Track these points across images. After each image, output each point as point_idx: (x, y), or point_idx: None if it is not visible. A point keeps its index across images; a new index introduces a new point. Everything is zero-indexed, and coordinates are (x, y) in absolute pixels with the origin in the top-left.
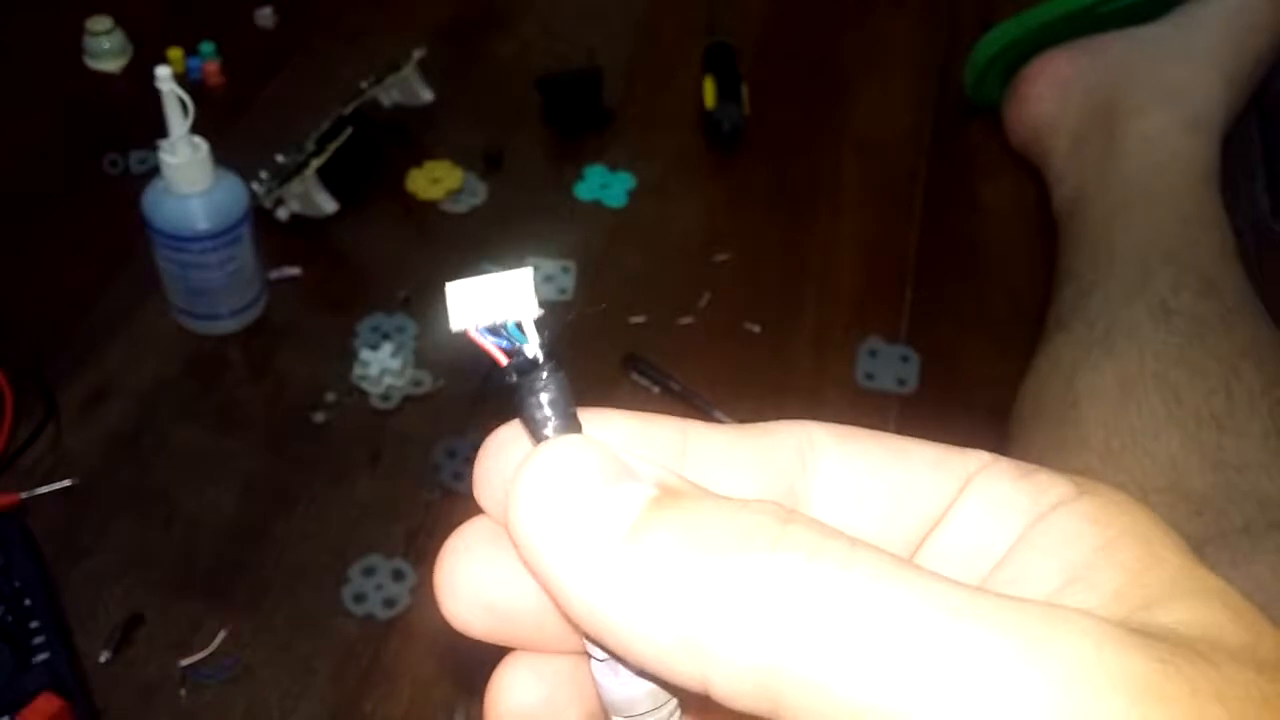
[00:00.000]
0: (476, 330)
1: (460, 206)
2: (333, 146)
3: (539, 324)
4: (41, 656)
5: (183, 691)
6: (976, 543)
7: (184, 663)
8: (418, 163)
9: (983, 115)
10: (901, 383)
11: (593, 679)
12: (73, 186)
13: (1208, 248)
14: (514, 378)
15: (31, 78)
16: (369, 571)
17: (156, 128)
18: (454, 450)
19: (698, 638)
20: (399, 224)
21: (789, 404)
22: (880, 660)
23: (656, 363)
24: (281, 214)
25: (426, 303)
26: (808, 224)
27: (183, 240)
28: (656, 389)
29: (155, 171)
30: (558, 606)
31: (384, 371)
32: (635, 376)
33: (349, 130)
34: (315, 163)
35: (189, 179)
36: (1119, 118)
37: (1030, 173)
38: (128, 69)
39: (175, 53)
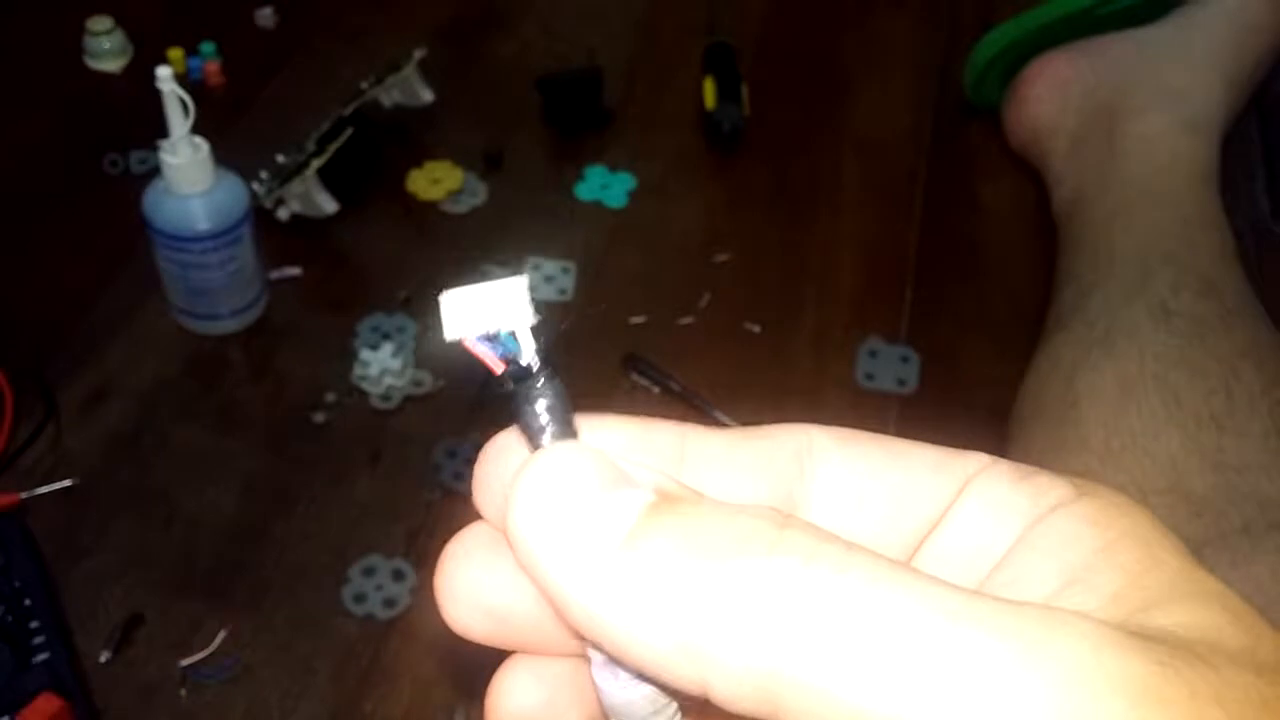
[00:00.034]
0: (471, 339)
1: (460, 207)
2: (333, 147)
3: (534, 332)
4: (41, 656)
5: (183, 691)
6: (976, 545)
7: (184, 663)
8: (418, 163)
9: (982, 116)
10: (901, 383)
11: (592, 683)
12: (73, 186)
13: (1207, 248)
14: (510, 386)
15: (31, 78)
16: (369, 572)
17: (157, 128)
18: (454, 450)
19: (696, 642)
20: (399, 224)
21: (789, 404)
22: (878, 663)
23: (656, 363)
24: (282, 214)
25: (427, 303)
26: (808, 224)
27: (183, 240)
28: (656, 389)
29: (156, 171)
30: (557, 612)
31: (384, 371)
32: (635, 377)
33: (349, 130)
34: (316, 163)
35: (189, 179)
36: (1118, 119)
37: (1030, 173)
38: (128, 69)
39: (176, 53)
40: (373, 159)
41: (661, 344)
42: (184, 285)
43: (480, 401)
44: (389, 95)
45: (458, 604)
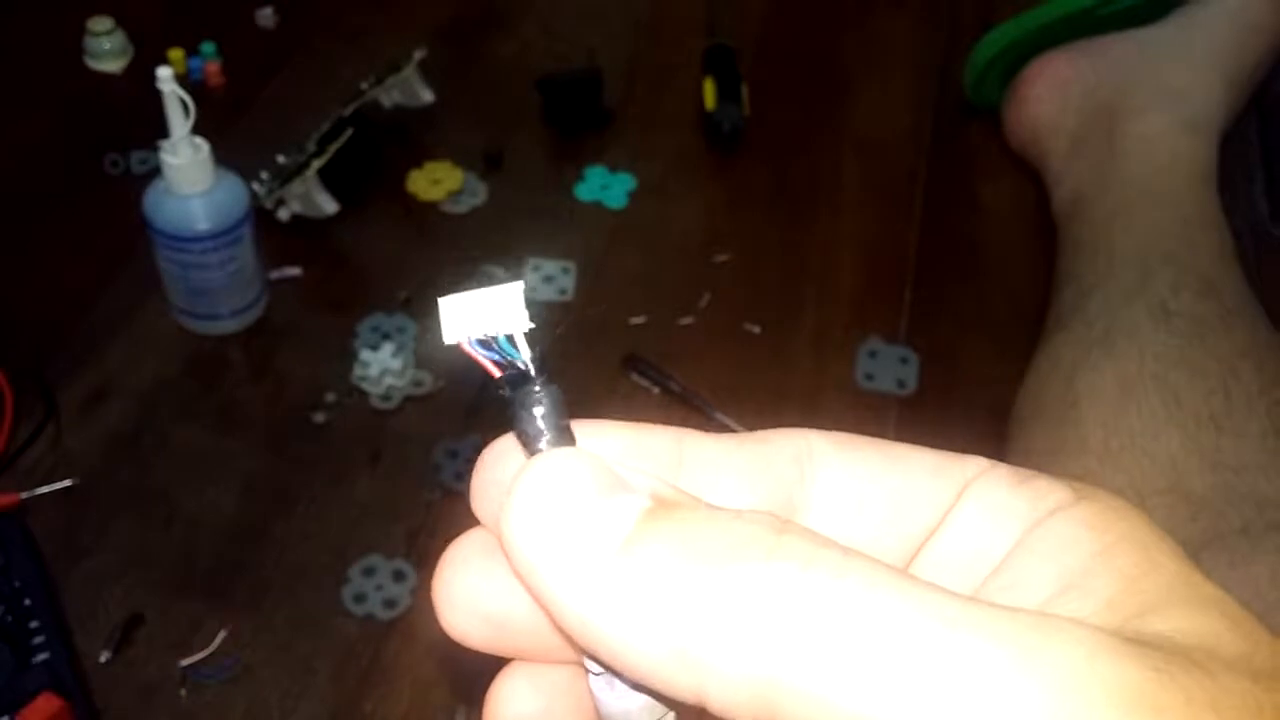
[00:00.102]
0: (469, 343)
1: (460, 207)
2: (333, 147)
3: (530, 338)
4: (41, 656)
5: (183, 691)
6: (974, 548)
7: (184, 663)
8: (418, 163)
9: (982, 115)
10: (901, 384)
11: (590, 692)
12: (73, 186)
13: (1207, 249)
14: (507, 391)
15: (32, 78)
16: (369, 572)
17: (157, 128)
18: (455, 451)
19: (692, 650)
20: (399, 224)
21: (788, 405)
22: (875, 669)
23: (656, 363)
24: (282, 214)
25: (427, 303)
26: (808, 224)
27: (183, 240)
28: (656, 390)
29: (156, 172)
30: (552, 620)
31: (384, 372)
32: (635, 377)
33: (349, 131)
34: (316, 163)
35: (190, 179)
36: (1118, 119)
37: (1030, 173)
38: (128, 69)
39: (176, 53)
40: (373, 159)
41: (661, 344)
42: (184, 285)
43: (480, 402)
44: (389, 95)
45: (455, 610)
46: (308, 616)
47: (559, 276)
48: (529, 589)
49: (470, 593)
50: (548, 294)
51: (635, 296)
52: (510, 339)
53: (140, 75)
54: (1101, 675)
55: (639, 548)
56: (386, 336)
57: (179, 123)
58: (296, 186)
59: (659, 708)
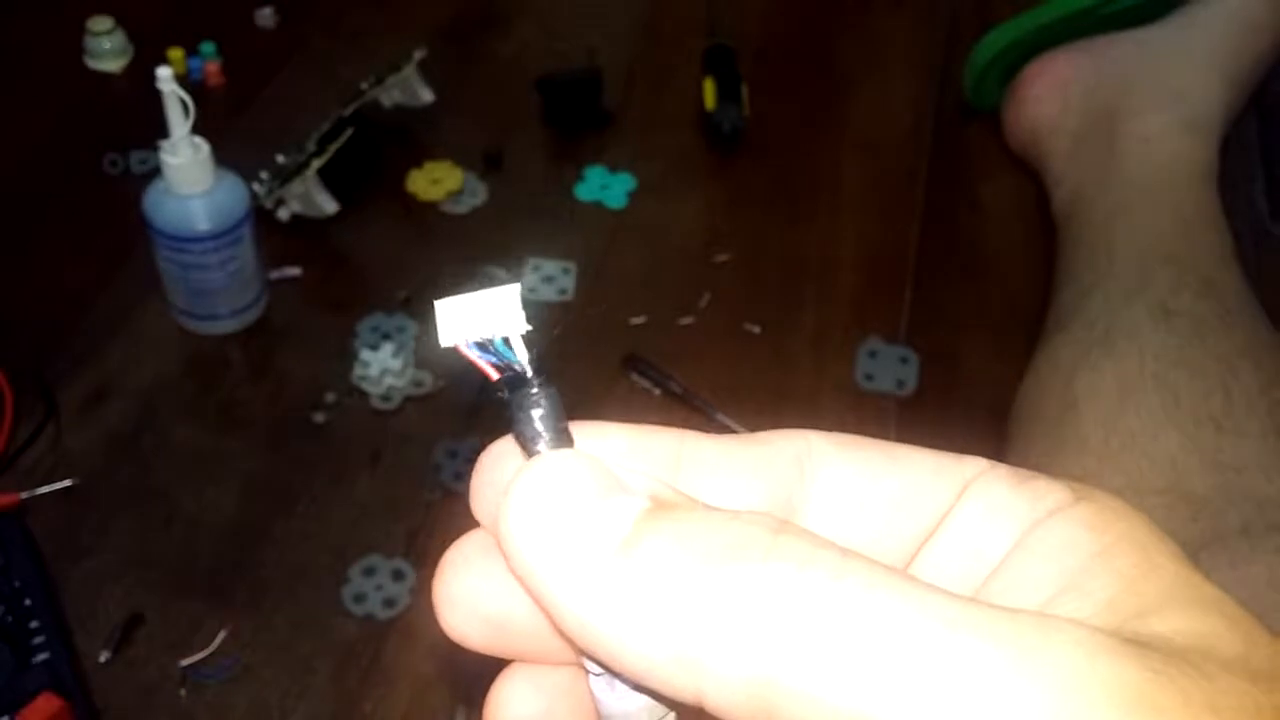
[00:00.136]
0: (466, 346)
1: (460, 207)
2: (333, 147)
3: (527, 340)
4: (41, 656)
5: (183, 691)
6: (974, 549)
7: (184, 663)
8: (418, 163)
9: (982, 116)
10: (901, 384)
11: (590, 693)
12: (73, 186)
13: (1207, 249)
14: (505, 393)
15: (31, 78)
16: (369, 572)
17: (157, 128)
18: (455, 450)
19: (691, 650)
20: (399, 224)
21: (788, 405)
22: (873, 670)
23: (656, 363)
24: (282, 214)
25: (427, 303)
26: (808, 224)
27: (183, 240)
28: (656, 390)
29: (156, 172)
30: (551, 622)
31: (384, 371)
32: (635, 377)
33: (349, 131)
34: (316, 163)
35: (190, 179)
36: (1118, 119)
37: (1030, 174)
38: (128, 69)
39: (176, 53)
40: (373, 159)
41: (661, 344)
42: (184, 285)
43: (480, 402)
44: (389, 95)
45: (455, 611)
46: (308, 616)
47: (559, 276)
48: (528, 590)
49: (470, 594)
50: (548, 294)
51: (635, 296)
52: (507, 341)
53: (140, 75)
54: (1101, 676)
55: (637, 548)
56: (386, 336)
57: (179, 123)
58: (296, 186)
59: (659, 708)
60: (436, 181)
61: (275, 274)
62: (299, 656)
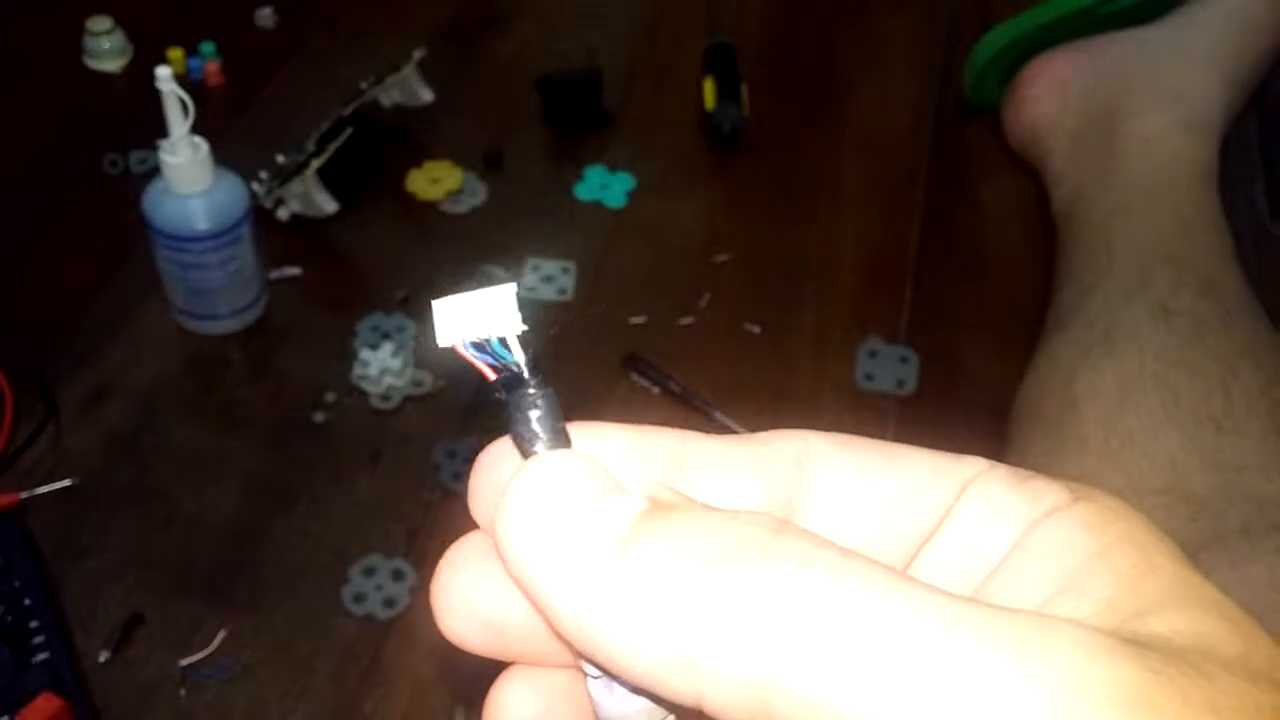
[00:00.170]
0: (463, 346)
1: (460, 207)
2: (333, 147)
3: (523, 340)
4: (41, 656)
5: (182, 691)
6: (973, 549)
7: (184, 663)
8: (418, 163)
9: (982, 116)
10: (901, 383)
11: (589, 696)
12: (73, 186)
13: (1207, 248)
14: (502, 394)
15: (31, 78)
16: (369, 571)
17: (157, 128)
18: (454, 450)
19: (689, 652)
20: (399, 224)
21: (788, 405)
22: (872, 671)
23: (656, 363)
24: (282, 214)
25: (426, 303)
26: (808, 224)
27: (183, 240)
28: (656, 389)
29: (155, 171)
30: (549, 624)
31: (384, 371)
32: (635, 377)
33: (349, 130)
34: (315, 163)
35: (189, 179)
36: (1118, 119)
37: (1030, 173)
38: (128, 69)
39: (175, 53)
40: (372, 159)
41: (661, 344)
42: (184, 285)
43: (479, 402)
44: (389, 95)
45: (453, 614)
46: (307, 616)
47: (559, 276)
48: (525, 593)
49: (468, 596)
50: (547, 294)
51: (635, 296)
52: (504, 341)
53: (139, 75)
54: (1100, 676)
55: (635, 549)
56: (386, 336)
57: (178, 122)
58: (296, 186)
59: (658, 711)
60: (436, 181)
61: (275, 274)
62: (299, 656)
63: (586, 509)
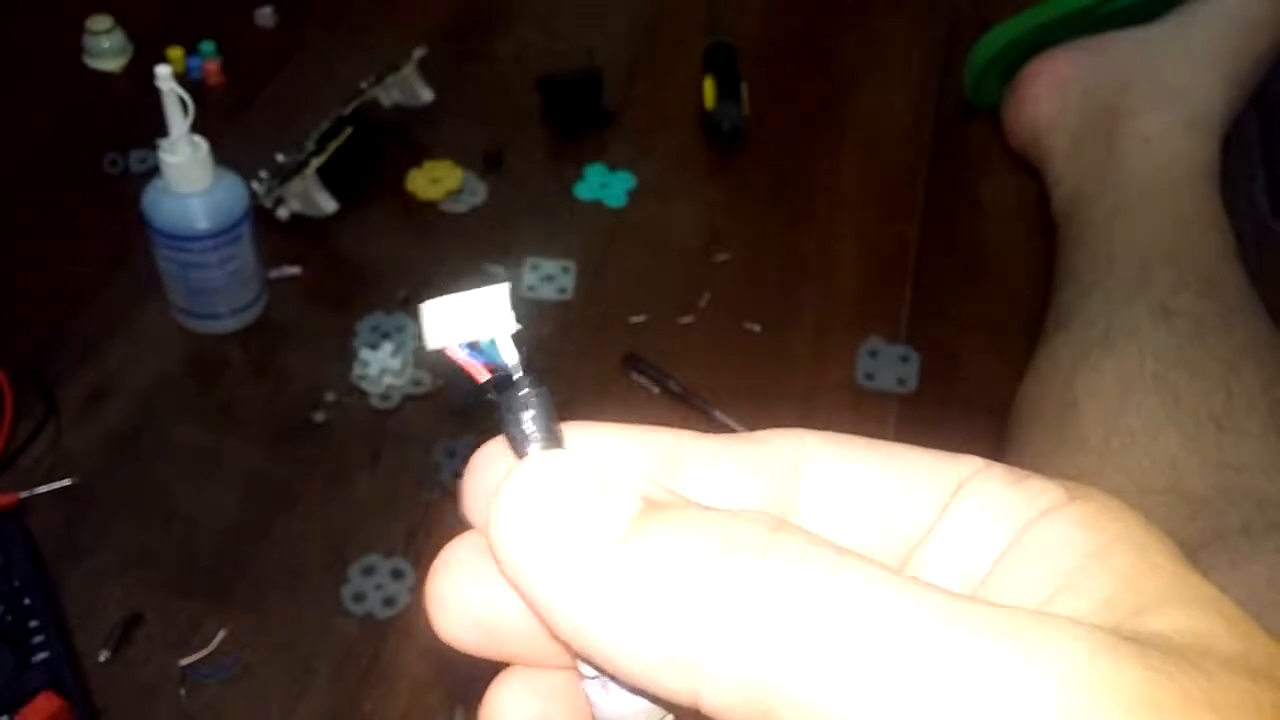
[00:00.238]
0: (455, 347)
1: (460, 206)
2: (333, 146)
3: (517, 340)
4: (41, 656)
5: (182, 691)
6: (970, 548)
7: (184, 662)
8: (418, 162)
9: (982, 115)
10: (901, 382)
11: (585, 696)
12: (73, 186)
13: (1208, 248)
14: (494, 395)
15: (31, 77)
16: (368, 571)
17: (157, 127)
18: (454, 450)
19: (686, 652)
20: (399, 224)
21: (788, 404)
22: (872, 669)
23: (656, 362)
24: (281, 213)
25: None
26: (808, 224)
27: (183, 240)
28: (656, 389)
29: (155, 171)
30: (544, 625)
31: (384, 371)
32: (635, 376)
33: (349, 130)
34: (315, 162)
35: (189, 178)
36: (1119, 118)
37: (1030, 173)
38: (128, 68)
39: (175, 52)
40: (372, 158)
41: (661, 344)
42: (184, 285)
43: (476, 402)
44: (389, 94)
45: (448, 614)
46: (307, 616)
47: (559, 275)
48: (520, 594)
49: (463, 597)
50: (547, 293)
51: (635, 296)
52: (495, 342)
53: (139, 74)
54: (1100, 674)
55: (631, 548)
56: (386, 336)
57: (178, 121)
58: (296, 185)
59: (657, 711)
60: (436, 180)
61: (275, 273)
62: (298, 656)
63: (581, 509)
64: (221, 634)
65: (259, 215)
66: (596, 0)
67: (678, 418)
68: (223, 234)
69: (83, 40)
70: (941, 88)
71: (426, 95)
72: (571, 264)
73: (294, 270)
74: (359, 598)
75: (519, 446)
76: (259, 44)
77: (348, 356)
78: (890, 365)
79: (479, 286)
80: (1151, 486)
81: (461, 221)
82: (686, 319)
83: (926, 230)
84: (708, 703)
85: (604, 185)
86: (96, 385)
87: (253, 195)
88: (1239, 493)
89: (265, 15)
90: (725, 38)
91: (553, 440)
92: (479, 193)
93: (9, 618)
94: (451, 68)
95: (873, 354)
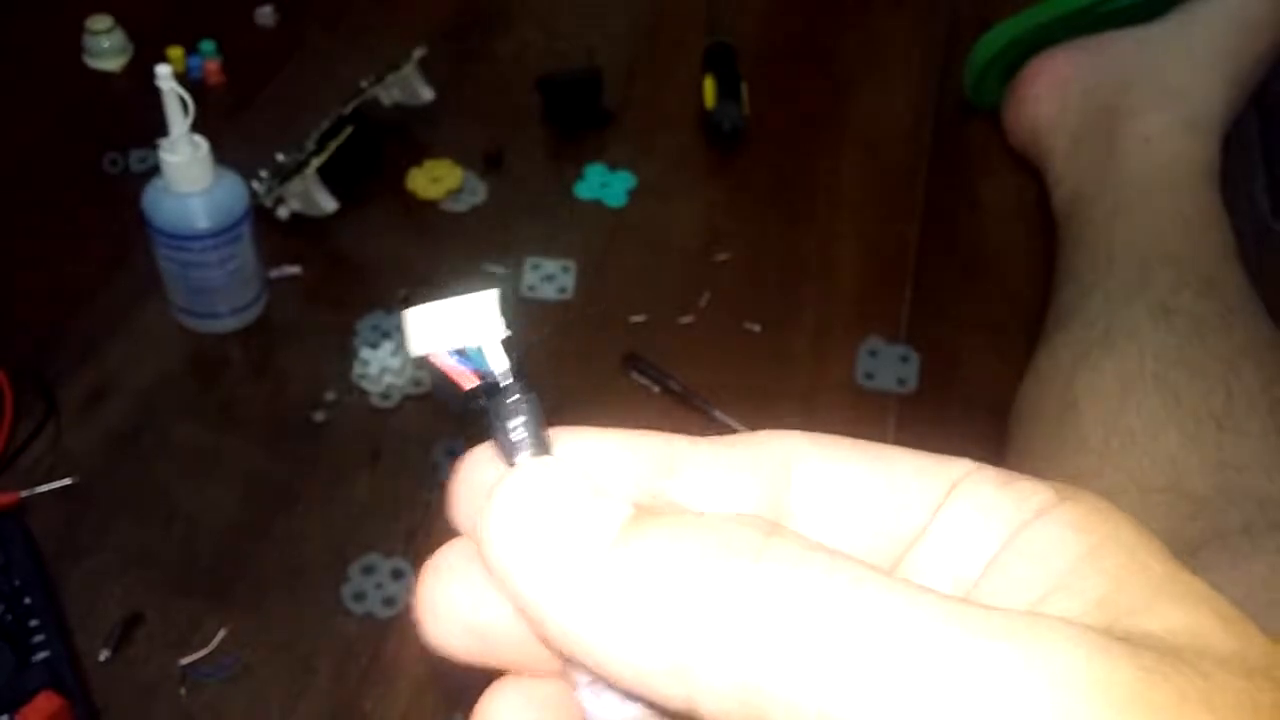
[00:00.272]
0: (441, 354)
1: (460, 206)
2: (333, 145)
3: (506, 346)
4: (41, 655)
5: (182, 690)
6: (961, 551)
7: (184, 661)
8: (418, 162)
9: (982, 115)
10: (901, 382)
11: (579, 703)
12: (73, 186)
13: (1208, 248)
14: (483, 401)
15: (31, 78)
16: (369, 570)
17: (157, 126)
18: (454, 449)
19: (681, 657)
20: (399, 223)
21: (788, 404)
22: (867, 672)
23: (656, 362)
24: (282, 213)
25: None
26: (808, 223)
27: (183, 239)
28: (656, 389)
29: (155, 170)
30: (537, 634)
31: (384, 370)
32: (635, 376)
33: (349, 129)
34: (315, 161)
35: (189, 178)
36: (1119, 118)
37: (1030, 172)
38: (128, 68)
39: (175, 51)
40: (372, 157)
41: (661, 343)
42: (184, 284)
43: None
44: (389, 94)
45: (438, 620)
46: (307, 615)
47: (559, 275)
48: (512, 601)
49: (453, 602)
50: (547, 293)
51: (635, 295)
52: (483, 349)
53: (139, 74)
54: (1095, 675)
55: (624, 553)
56: (386, 335)
57: (178, 121)
58: (296, 185)
59: (650, 717)
60: (436, 180)
61: (275, 272)
62: (299, 655)
63: (572, 517)
64: (221, 633)
65: (259, 214)
66: (596, 0)
67: (678, 418)
68: (223, 233)
69: (83, 40)
70: (941, 88)
71: (427, 94)
72: (571, 263)
73: (294, 270)
74: (359, 597)
75: (509, 454)
76: (259, 43)
77: (348, 356)
78: (890, 365)
79: (470, 290)
80: (1152, 486)
81: (462, 221)
82: (686, 319)
83: (926, 230)
84: (704, 708)
85: (604, 185)
86: (96, 385)
87: (253, 195)
88: (1240, 492)
89: (265, 15)
90: (725, 38)
91: (543, 447)
92: (479, 192)
93: (9, 617)
94: (452, 67)
95: (873, 354)
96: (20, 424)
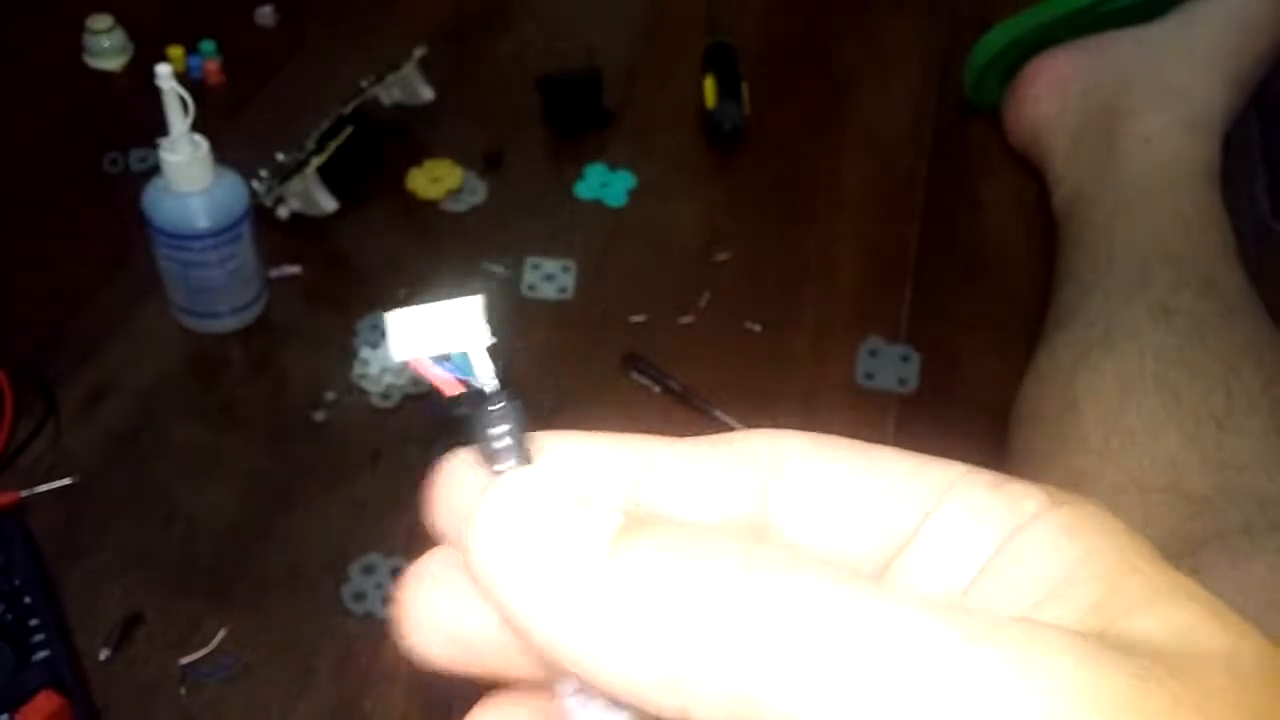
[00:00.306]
0: (424, 360)
1: (460, 205)
2: (333, 145)
3: (491, 353)
4: (41, 654)
5: (182, 690)
6: (953, 555)
7: (184, 661)
8: (418, 161)
9: (982, 115)
10: (902, 382)
11: (564, 712)
12: (73, 186)
13: (1208, 248)
14: (465, 408)
15: (31, 77)
16: (369, 570)
17: (157, 126)
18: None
19: (672, 666)
20: (399, 223)
21: (788, 404)
22: (858, 681)
23: (656, 362)
24: (282, 212)
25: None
26: (808, 223)
27: (183, 238)
28: (656, 389)
29: (155, 170)
30: (525, 644)
31: (384, 370)
32: (635, 376)
33: (349, 129)
34: (315, 161)
35: (189, 177)
36: (1119, 118)
37: (1030, 172)
38: (128, 67)
39: (176, 51)
40: (373, 157)
41: (661, 343)
42: (184, 284)
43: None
44: (389, 93)
45: (420, 629)
46: (307, 615)
47: (559, 275)
48: (499, 611)
49: (435, 611)
50: (548, 293)
51: (635, 295)
52: (467, 355)
53: (140, 73)
54: (1088, 682)
55: (614, 563)
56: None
57: (178, 120)
58: (296, 184)
59: None
60: (436, 180)
61: (275, 272)
62: (299, 655)
63: (560, 526)
64: (221, 633)
65: (259, 214)
66: (596, 0)
67: (677, 417)
68: (223, 233)
69: (83, 40)
70: (941, 88)
71: (427, 94)
72: (571, 263)
73: (294, 269)
74: (359, 597)
75: (492, 461)
76: (259, 43)
77: (348, 355)
78: (890, 365)
79: (458, 294)
80: (1152, 486)
81: (462, 221)
82: (686, 319)
83: (926, 230)
84: (696, 718)
85: (604, 185)
86: (96, 385)
87: (253, 194)
88: (1240, 492)
89: (265, 14)
90: (725, 38)
91: (527, 455)
92: (479, 192)
93: (9, 616)
94: (452, 67)
95: (873, 354)
96: (20, 424)
